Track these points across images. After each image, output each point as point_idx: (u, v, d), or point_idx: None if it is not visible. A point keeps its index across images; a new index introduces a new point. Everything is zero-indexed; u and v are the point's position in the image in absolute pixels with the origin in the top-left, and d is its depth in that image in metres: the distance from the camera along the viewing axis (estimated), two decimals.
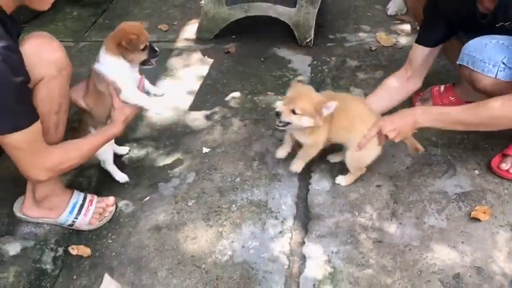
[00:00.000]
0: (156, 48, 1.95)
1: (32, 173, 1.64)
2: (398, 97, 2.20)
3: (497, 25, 1.88)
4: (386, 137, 1.90)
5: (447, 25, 2.10)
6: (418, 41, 2.19)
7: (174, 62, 2.93)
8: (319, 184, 2.08)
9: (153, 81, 2.69)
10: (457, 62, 1.98)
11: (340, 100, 1.91)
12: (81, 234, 1.93)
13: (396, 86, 2.21)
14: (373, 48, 2.93)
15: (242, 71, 2.80)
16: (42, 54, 1.65)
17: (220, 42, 3.05)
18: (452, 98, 2.36)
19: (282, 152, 2.12)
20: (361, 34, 3.09)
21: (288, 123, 1.90)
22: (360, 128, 1.93)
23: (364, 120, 1.95)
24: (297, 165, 2.05)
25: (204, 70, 2.84)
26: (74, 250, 1.86)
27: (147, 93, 2.01)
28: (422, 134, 2.27)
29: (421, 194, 2.01)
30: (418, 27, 2.69)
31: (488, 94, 1.95)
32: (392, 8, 3.23)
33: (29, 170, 1.62)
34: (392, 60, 2.80)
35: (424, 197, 2.00)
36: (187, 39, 3.15)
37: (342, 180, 2.07)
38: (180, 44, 3.11)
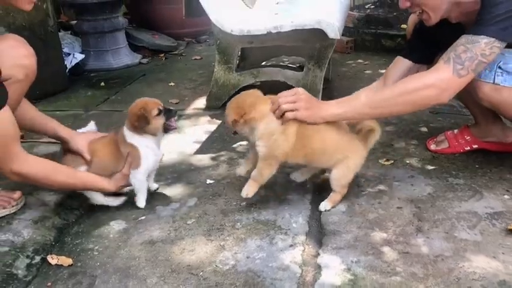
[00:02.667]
0: (171, 108, 1.93)
1: (2, 171, 1.62)
2: None
3: None
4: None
5: (433, 45, 2.08)
6: (402, 54, 2.17)
7: (182, 123, 2.91)
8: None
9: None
10: None
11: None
12: (64, 246, 1.71)
13: None
14: None
15: None
16: (16, 56, 1.71)
17: None
18: (469, 138, 2.26)
19: (240, 169, 1.95)
20: None
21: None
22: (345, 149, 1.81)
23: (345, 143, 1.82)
24: (248, 190, 1.81)
25: (212, 127, 2.80)
26: (53, 260, 1.62)
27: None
28: (441, 168, 2.15)
29: (447, 214, 1.80)
30: None
31: (493, 105, 1.88)
32: None
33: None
34: (401, 119, 2.76)
35: (451, 216, 1.79)
36: (196, 108, 3.18)
37: (326, 204, 1.85)
38: (189, 111, 3.14)
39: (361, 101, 1.81)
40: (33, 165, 1.68)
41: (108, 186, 1.84)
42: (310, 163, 1.88)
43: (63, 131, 1.93)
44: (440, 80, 1.73)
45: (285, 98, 1.77)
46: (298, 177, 2.01)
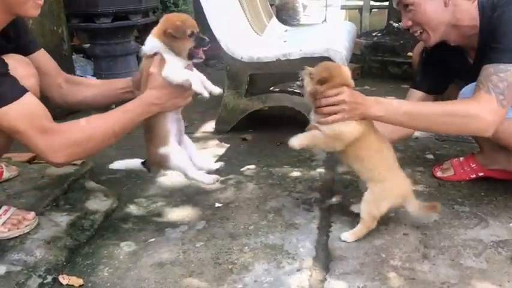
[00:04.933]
0: (205, 37, 1.81)
1: (49, 157, 1.57)
2: (393, 136, 2.11)
3: None
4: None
5: (441, 74, 2.15)
6: (413, 86, 2.22)
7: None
8: (341, 231, 1.90)
9: None
10: None
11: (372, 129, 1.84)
12: (75, 266, 1.74)
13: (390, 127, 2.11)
14: None
15: (258, 152, 2.81)
16: (17, 76, 1.64)
17: (237, 133, 3.12)
18: (474, 165, 2.29)
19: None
20: None
21: (302, 83, 1.86)
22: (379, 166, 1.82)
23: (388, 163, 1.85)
24: (299, 140, 1.82)
25: (220, 151, 2.86)
26: (64, 280, 1.65)
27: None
28: (447, 196, 2.18)
29: (453, 241, 1.82)
30: None
31: (495, 135, 1.91)
32: None
33: (45, 154, 1.56)
34: (408, 146, 2.80)
35: (457, 243, 1.81)
36: (205, 132, 3.24)
37: (347, 235, 1.84)
38: (198, 134, 3.20)
39: (401, 109, 1.83)
40: (75, 128, 1.64)
41: (146, 99, 1.74)
42: (352, 165, 1.87)
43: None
44: (486, 111, 1.75)
45: (326, 101, 1.77)
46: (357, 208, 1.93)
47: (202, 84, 1.78)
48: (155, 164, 1.93)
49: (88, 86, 2.06)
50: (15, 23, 1.73)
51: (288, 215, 2.05)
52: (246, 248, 1.82)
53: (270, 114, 3.37)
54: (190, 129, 3.32)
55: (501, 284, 1.56)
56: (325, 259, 1.74)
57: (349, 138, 1.78)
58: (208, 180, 1.90)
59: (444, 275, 1.62)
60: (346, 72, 1.85)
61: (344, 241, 1.83)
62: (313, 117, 1.86)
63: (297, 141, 1.82)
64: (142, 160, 1.99)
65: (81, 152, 1.68)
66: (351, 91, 1.80)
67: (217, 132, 3.18)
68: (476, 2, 1.89)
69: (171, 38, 1.75)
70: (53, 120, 1.61)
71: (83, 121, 1.70)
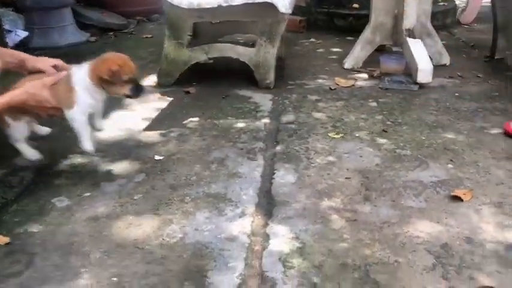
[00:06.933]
0: (143, 85, 1.89)
1: None
2: None
3: None
4: None
5: None
6: None
7: (130, 100, 2.81)
8: (284, 178, 1.88)
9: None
10: None
11: None
12: (2, 224, 1.61)
13: None
14: (332, 88, 2.94)
15: (202, 105, 2.70)
16: None
17: (180, 87, 2.99)
18: None
19: None
20: (320, 80, 3.12)
21: None
22: None
23: None
24: None
25: (163, 105, 2.73)
26: None
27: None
28: (390, 140, 2.19)
29: (394, 183, 1.83)
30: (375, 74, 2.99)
31: None
32: (349, 62, 3.33)
33: None
34: (352, 95, 2.80)
35: (398, 185, 1.82)
36: (146, 86, 3.09)
37: None
38: None
39: None
40: None
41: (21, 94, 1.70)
42: None
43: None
44: None
45: None
46: None
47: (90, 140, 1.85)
48: None
49: None
50: None
51: (232, 165, 1.99)
52: (187, 198, 1.76)
53: (214, 67, 3.27)
54: None
55: (439, 221, 1.59)
56: (268, 205, 1.71)
57: None
58: (30, 155, 1.89)
59: (385, 215, 1.63)
60: None
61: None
62: None
63: None
64: None
65: None
66: None
67: (160, 86, 3.04)
68: None
69: (106, 82, 1.75)
70: None
71: None
